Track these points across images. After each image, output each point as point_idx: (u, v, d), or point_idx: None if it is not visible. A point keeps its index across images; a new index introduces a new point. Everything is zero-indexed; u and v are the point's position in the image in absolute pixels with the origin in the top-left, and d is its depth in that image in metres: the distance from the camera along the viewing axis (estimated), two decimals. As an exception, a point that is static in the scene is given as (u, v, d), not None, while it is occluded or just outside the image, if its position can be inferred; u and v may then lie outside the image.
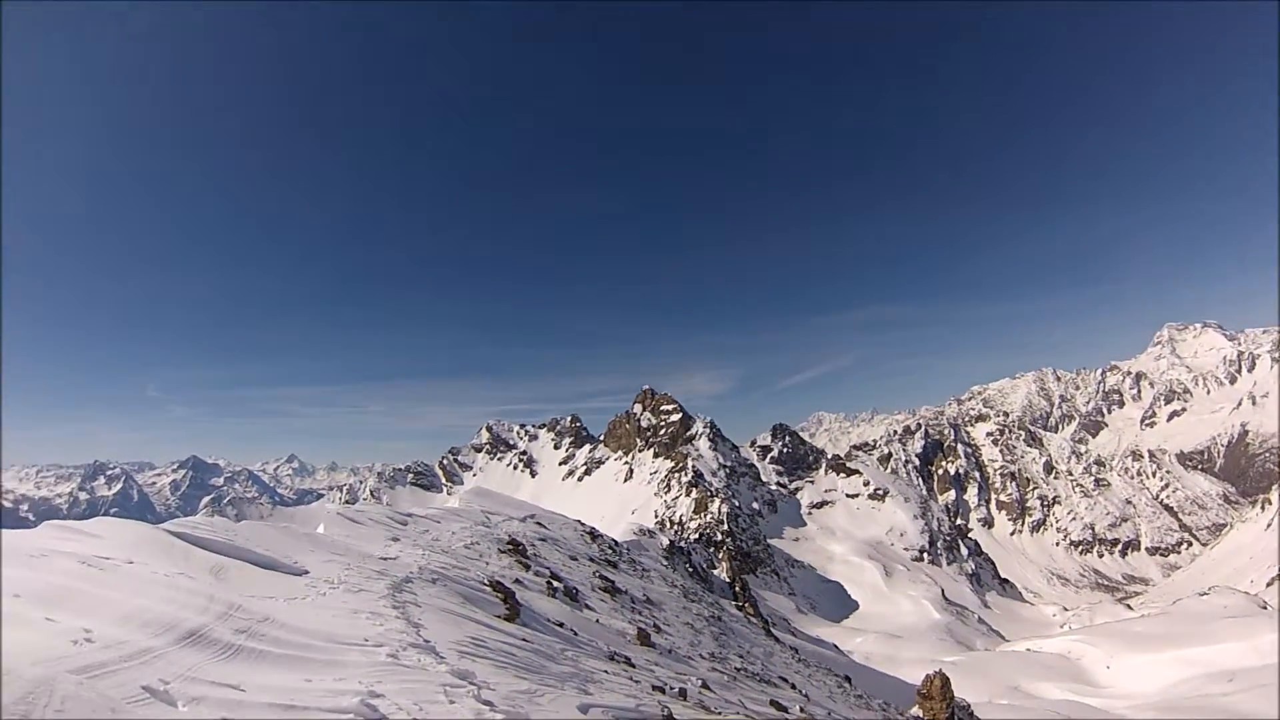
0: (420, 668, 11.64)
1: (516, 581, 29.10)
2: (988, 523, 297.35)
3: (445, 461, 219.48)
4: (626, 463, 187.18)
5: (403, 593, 19.00)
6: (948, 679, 35.79)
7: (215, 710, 8.17)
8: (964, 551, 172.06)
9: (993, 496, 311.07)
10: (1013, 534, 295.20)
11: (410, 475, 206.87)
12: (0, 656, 4.04)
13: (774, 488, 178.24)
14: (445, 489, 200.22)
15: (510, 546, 39.00)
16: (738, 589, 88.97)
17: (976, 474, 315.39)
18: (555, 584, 33.08)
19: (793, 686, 33.85)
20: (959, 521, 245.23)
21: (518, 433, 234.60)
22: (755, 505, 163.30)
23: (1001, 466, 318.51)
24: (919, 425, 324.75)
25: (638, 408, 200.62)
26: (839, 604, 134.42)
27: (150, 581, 13.13)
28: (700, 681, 22.44)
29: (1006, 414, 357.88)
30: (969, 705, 39.63)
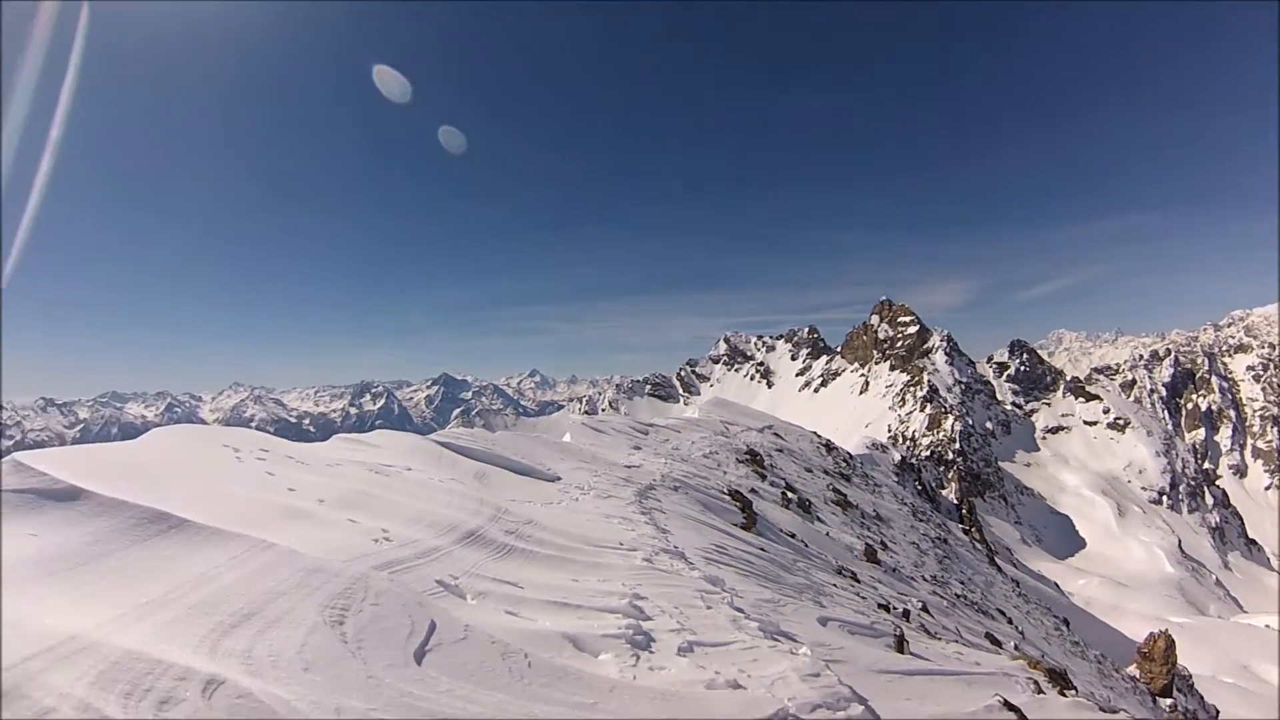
0: (674, 572, 11.97)
1: (753, 491, 29.28)
2: (1239, 471, 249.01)
3: (683, 373, 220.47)
4: (862, 375, 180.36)
5: (648, 499, 19.58)
6: (1173, 642, 33.28)
7: (499, 604, 8.80)
8: (1209, 500, 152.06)
9: (1249, 441, 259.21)
10: (1268, 488, 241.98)
11: (648, 386, 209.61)
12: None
13: (1009, 408, 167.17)
14: (682, 400, 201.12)
15: (748, 456, 38.90)
16: (964, 512, 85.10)
17: (1232, 413, 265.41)
18: (789, 495, 33.00)
19: (1009, 621, 32.50)
20: (1206, 466, 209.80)
21: (755, 344, 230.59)
22: (988, 425, 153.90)
23: (1262, 408, 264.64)
24: (1168, 351, 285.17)
25: (875, 319, 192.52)
26: (1065, 539, 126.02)
27: (428, 486, 14.18)
28: (920, 604, 21.98)
29: (1273, 346, 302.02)
30: (1190, 676, 36.95)
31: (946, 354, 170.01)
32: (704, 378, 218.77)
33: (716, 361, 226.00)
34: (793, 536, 23.95)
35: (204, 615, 5.92)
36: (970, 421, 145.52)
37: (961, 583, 37.33)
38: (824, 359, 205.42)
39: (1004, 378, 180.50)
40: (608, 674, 7.08)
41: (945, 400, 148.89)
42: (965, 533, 65.54)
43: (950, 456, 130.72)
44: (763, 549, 18.12)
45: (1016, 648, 22.10)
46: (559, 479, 20.72)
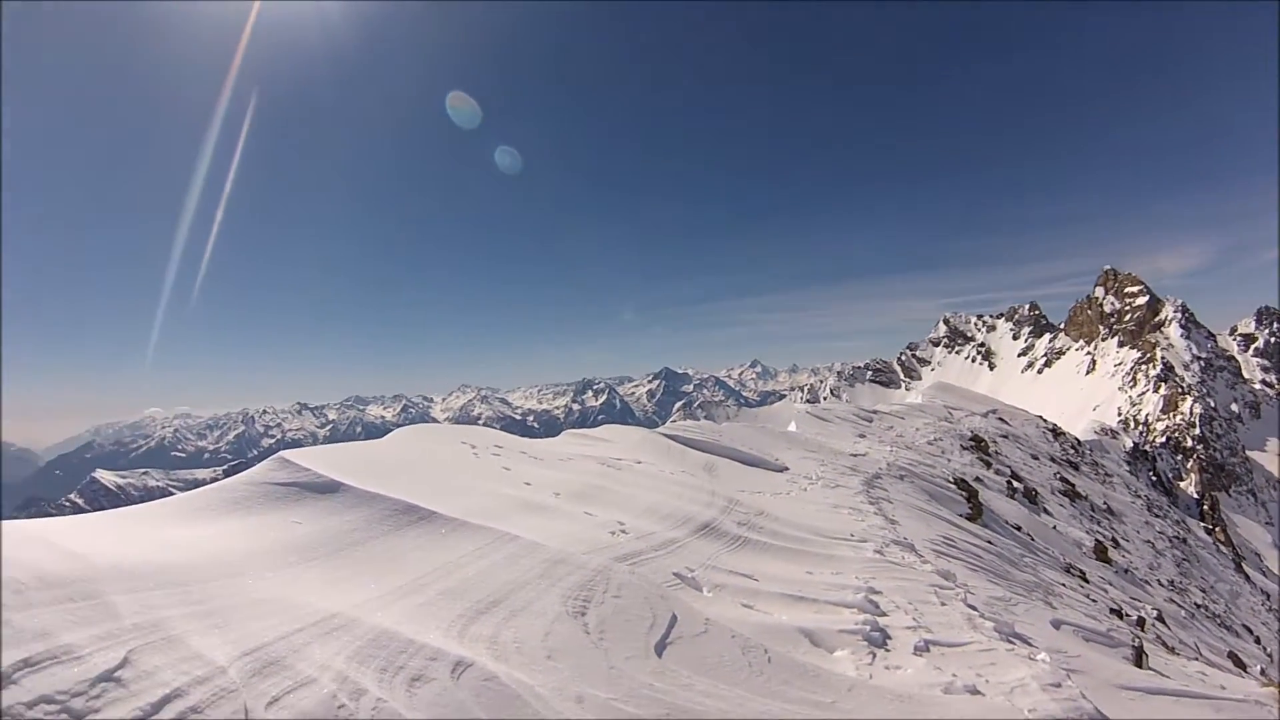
0: (906, 565, 11.66)
1: (978, 480, 28.37)
2: None
3: (903, 357, 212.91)
4: (1089, 353, 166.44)
5: (875, 488, 19.18)
6: None
7: (736, 597, 8.74)
8: None
9: None
10: None
11: (869, 373, 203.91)
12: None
13: (1257, 387, 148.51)
14: (903, 385, 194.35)
15: (972, 443, 37.76)
16: (1206, 508, 77.30)
17: None
18: (1015, 484, 31.75)
19: (1257, 640, 29.64)
20: None
21: (975, 324, 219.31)
22: (1234, 408, 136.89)
23: None
24: None
25: (1099, 291, 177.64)
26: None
27: (659, 479, 14.33)
28: (1156, 612, 20.51)
29: None
30: None
31: (1182, 326, 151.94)
32: (924, 361, 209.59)
33: (936, 344, 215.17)
34: (1019, 529, 22.98)
35: (453, 601, 6.18)
36: (1212, 403, 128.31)
37: (1203, 591, 34.59)
38: (1047, 337, 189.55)
39: (1250, 351, 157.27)
40: (845, 672, 6.94)
41: (1182, 379, 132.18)
42: (1208, 532, 59.55)
43: (1189, 443, 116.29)
44: (990, 542, 17.42)
45: (1263, 672, 20.18)
46: (786, 469, 20.61)
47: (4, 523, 6.48)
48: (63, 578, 5.37)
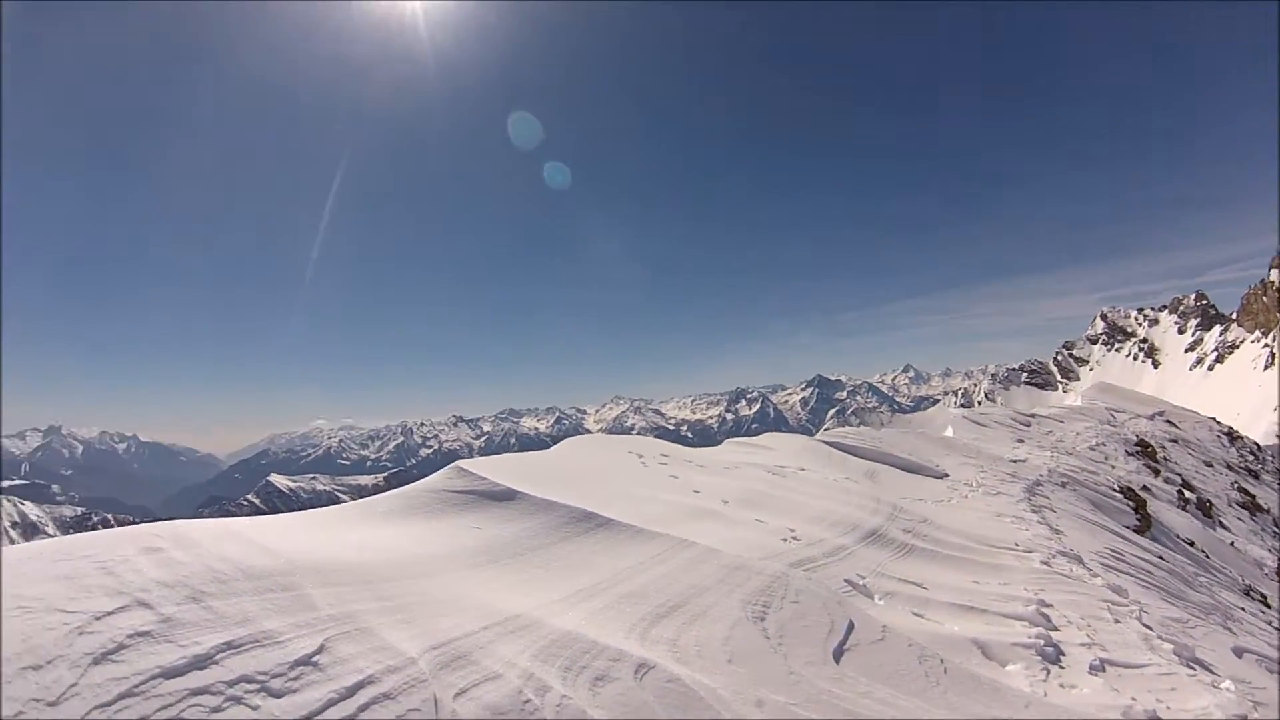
0: (1075, 578, 11.19)
1: (1145, 488, 26.72)
2: None
3: (1059, 357, 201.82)
4: (1266, 345, 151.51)
5: (1036, 496, 18.51)
6: None
7: (906, 605, 8.57)
8: None
9: None
10: None
11: (1024, 374, 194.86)
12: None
13: None
14: (1060, 386, 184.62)
15: (1138, 448, 35.56)
16: None
17: None
18: (1186, 494, 29.84)
19: None
20: None
21: (1135, 319, 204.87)
22: None
23: None
24: None
25: (1274, 274, 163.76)
26: None
27: (824, 485, 14.22)
28: None
29: None
30: None
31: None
32: (1082, 361, 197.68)
33: (1094, 342, 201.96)
34: (1191, 544, 21.48)
35: (633, 605, 6.26)
36: None
37: None
38: (1217, 329, 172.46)
39: None
40: (1019, 687, 6.75)
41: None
42: None
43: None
44: (1161, 557, 16.47)
45: None
46: (946, 475, 20.21)
47: (206, 520, 6.96)
48: (262, 570, 5.68)
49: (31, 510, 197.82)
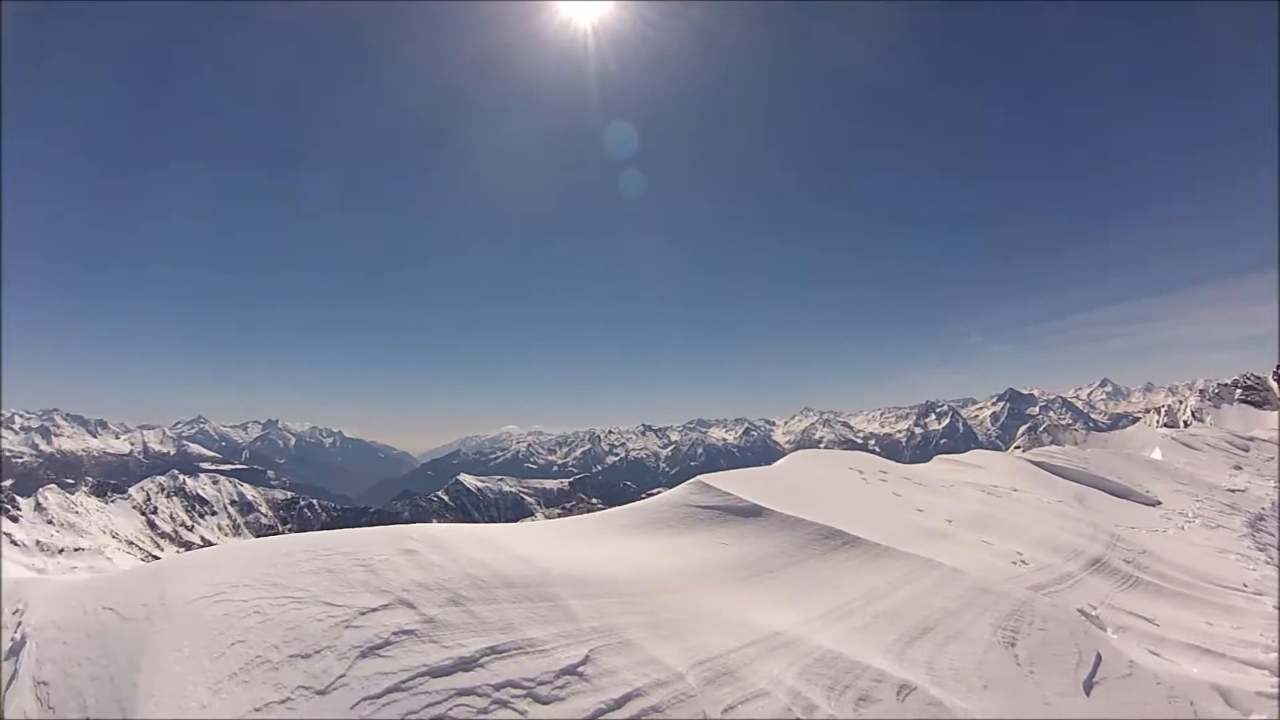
0: (1313, 628, 10.36)
1: None
2: None
3: None
4: None
5: (1261, 532, 17.15)
6: None
7: (1140, 641, 8.23)
8: None
9: None
10: None
11: (1238, 391, 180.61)
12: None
13: None
14: None
15: None
16: None
17: None
18: None
19: None
20: None
21: None
22: None
23: None
24: None
25: None
26: None
27: (1040, 508, 13.79)
28: None
29: None
30: None
31: None
32: None
33: None
34: None
35: (887, 624, 6.31)
36: None
37: None
38: None
39: None
40: None
41: None
42: None
43: None
44: None
45: None
46: (1159, 503, 19.05)
47: (456, 526, 7.38)
48: (520, 579, 6.00)
49: (248, 491, 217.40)
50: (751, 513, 8.86)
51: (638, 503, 9.62)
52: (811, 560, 7.73)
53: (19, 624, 7.12)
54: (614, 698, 4.76)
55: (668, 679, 5.00)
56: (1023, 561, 9.61)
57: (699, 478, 10.03)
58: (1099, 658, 6.53)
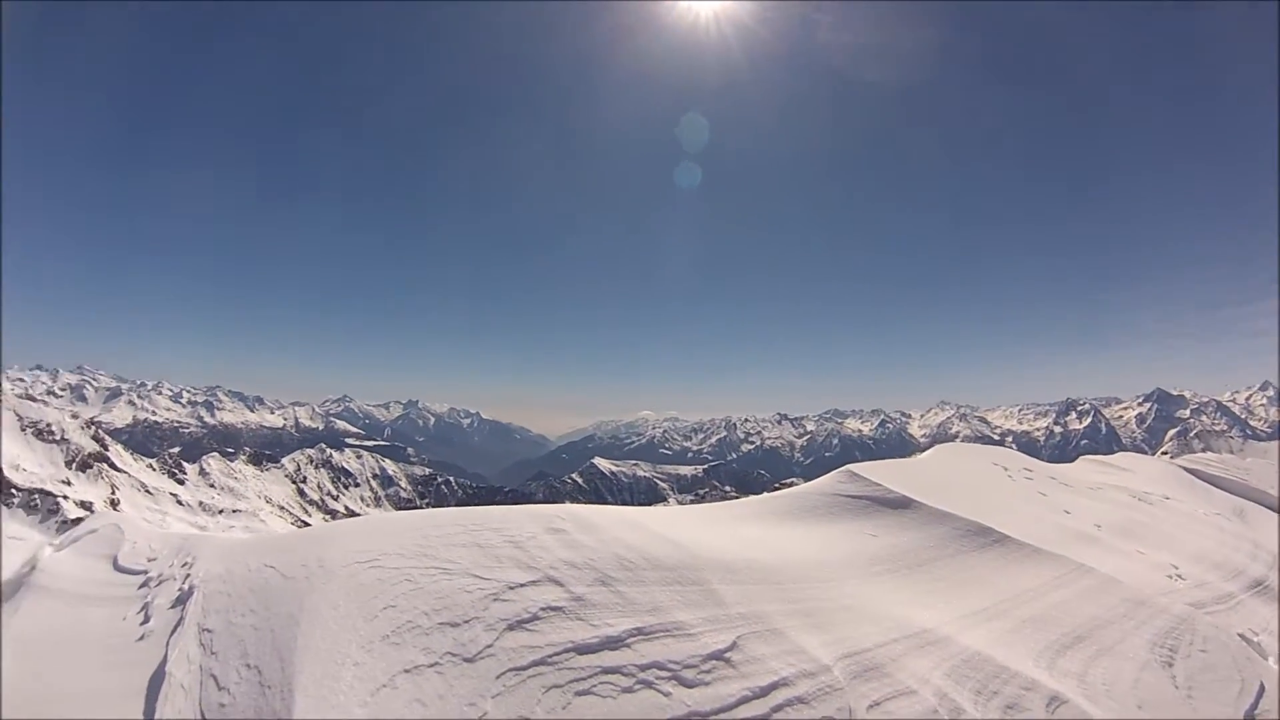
0: None
1: None
2: None
3: None
4: None
5: None
6: None
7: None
8: None
9: None
10: None
11: None
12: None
13: None
14: None
15: None
16: None
17: None
18: None
19: None
20: None
21: None
22: None
23: None
24: None
25: None
26: None
27: (1194, 519, 13.17)
28: None
29: None
30: None
31: None
32: None
33: None
34: None
35: (1038, 630, 6.18)
36: None
37: None
38: None
39: None
40: None
41: None
42: None
43: None
44: None
45: None
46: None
47: (602, 507, 7.60)
48: (667, 561, 6.12)
49: (389, 466, 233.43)
50: (900, 504, 8.80)
51: (785, 490, 9.67)
52: (960, 556, 7.62)
53: (187, 575, 7.67)
54: (759, 685, 4.83)
55: (814, 670, 5.04)
56: (1179, 576, 9.22)
57: (848, 467, 10.03)
58: (1262, 689, 6.24)
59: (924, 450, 15.23)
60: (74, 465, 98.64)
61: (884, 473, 9.91)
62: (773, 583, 6.19)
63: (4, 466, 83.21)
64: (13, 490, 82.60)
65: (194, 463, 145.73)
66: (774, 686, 4.85)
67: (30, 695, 5.76)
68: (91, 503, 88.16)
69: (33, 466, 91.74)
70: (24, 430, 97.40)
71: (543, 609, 5.47)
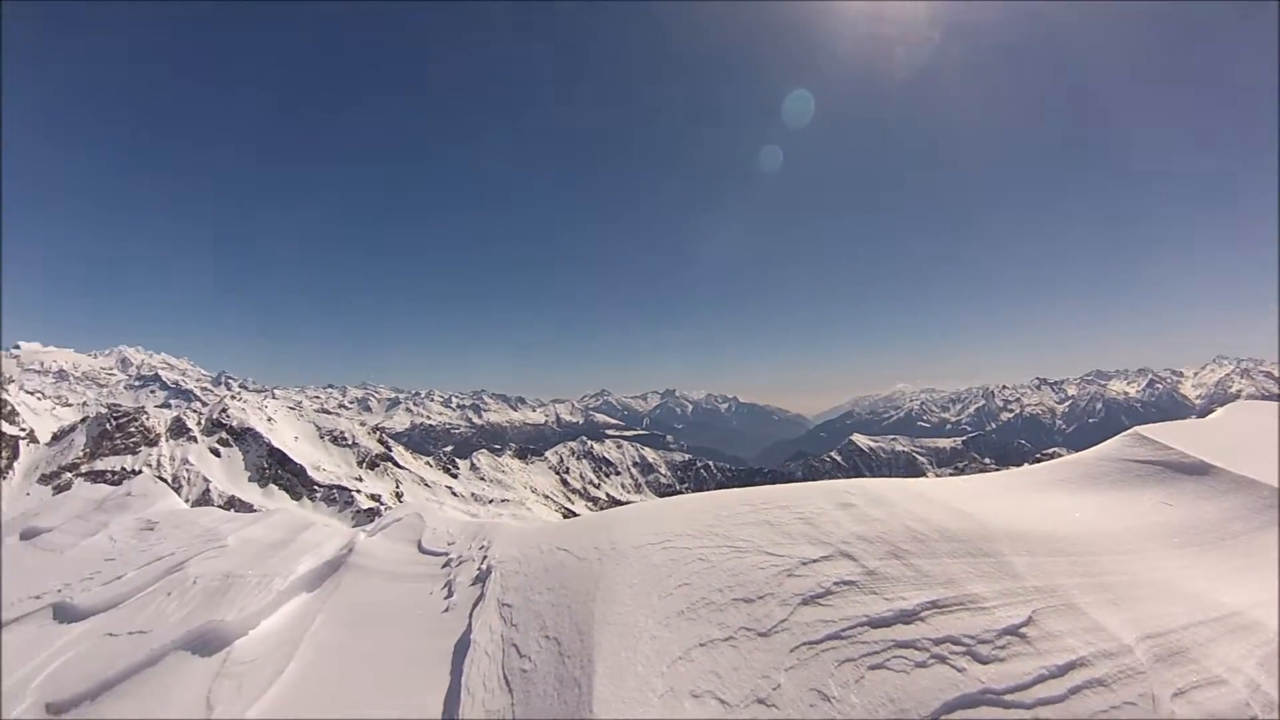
0: None
1: None
2: None
3: None
4: None
5: None
6: None
7: None
8: None
9: None
10: None
11: None
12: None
13: None
14: None
15: None
16: None
17: None
18: None
19: None
20: None
21: None
22: None
23: None
24: None
25: None
26: None
27: None
28: None
29: None
30: None
31: None
32: None
33: None
34: None
35: None
36: None
37: None
38: None
39: None
40: None
41: None
42: None
43: None
44: None
45: None
46: None
47: (892, 480, 7.70)
48: (960, 533, 6.14)
49: (649, 454, 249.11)
50: (1197, 470, 8.06)
51: (1069, 456, 9.29)
52: (1271, 530, 6.97)
53: (484, 557, 8.45)
54: (1056, 664, 4.79)
55: (1114, 650, 4.92)
56: None
57: (1135, 429, 9.36)
58: None
59: (1199, 414, 13.98)
60: (364, 464, 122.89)
61: (1177, 435, 9.14)
62: (1066, 554, 6.04)
63: (307, 466, 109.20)
64: (315, 486, 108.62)
65: (465, 459, 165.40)
66: (1071, 666, 4.78)
67: (363, 653, 6.57)
68: (380, 495, 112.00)
69: (330, 466, 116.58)
70: (322, 438, 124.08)
71: (836, 583, 5.64)
